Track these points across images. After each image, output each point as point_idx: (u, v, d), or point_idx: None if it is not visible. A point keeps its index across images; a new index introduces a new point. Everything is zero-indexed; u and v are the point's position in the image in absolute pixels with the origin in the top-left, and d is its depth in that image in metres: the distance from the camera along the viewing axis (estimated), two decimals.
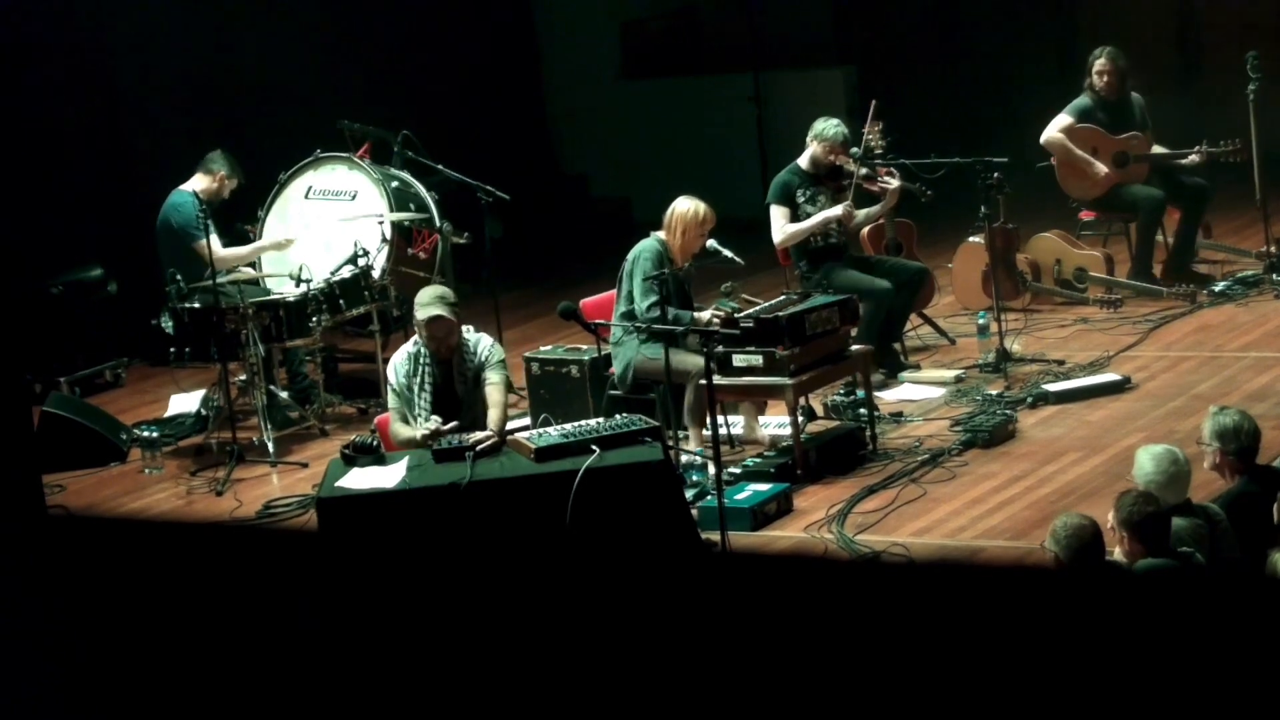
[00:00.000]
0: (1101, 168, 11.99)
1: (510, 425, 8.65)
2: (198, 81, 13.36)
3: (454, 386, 8.61)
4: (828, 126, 10.81)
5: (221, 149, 11.32)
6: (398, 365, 8.66)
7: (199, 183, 11.16)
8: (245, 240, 11.47)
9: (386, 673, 6.58)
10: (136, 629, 6.90)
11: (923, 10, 16.57)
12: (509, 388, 8.83)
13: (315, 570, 8.05)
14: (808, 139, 10.86)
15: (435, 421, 8.38)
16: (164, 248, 11.13)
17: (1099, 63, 12.03)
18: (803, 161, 10.86)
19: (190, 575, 8.43)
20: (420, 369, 8.59)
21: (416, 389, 8.57)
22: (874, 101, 11.17)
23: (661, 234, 9.82)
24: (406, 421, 8.55)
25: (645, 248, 9.76)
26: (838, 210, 10.68)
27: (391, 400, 8.67)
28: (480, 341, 8.69)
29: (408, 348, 8.70)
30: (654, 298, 9.52)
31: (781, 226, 10.74)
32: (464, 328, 8.70)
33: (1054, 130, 12.08)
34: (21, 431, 7.30)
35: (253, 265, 11.22)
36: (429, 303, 8.55)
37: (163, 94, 13.22)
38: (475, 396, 8.58)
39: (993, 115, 15.33)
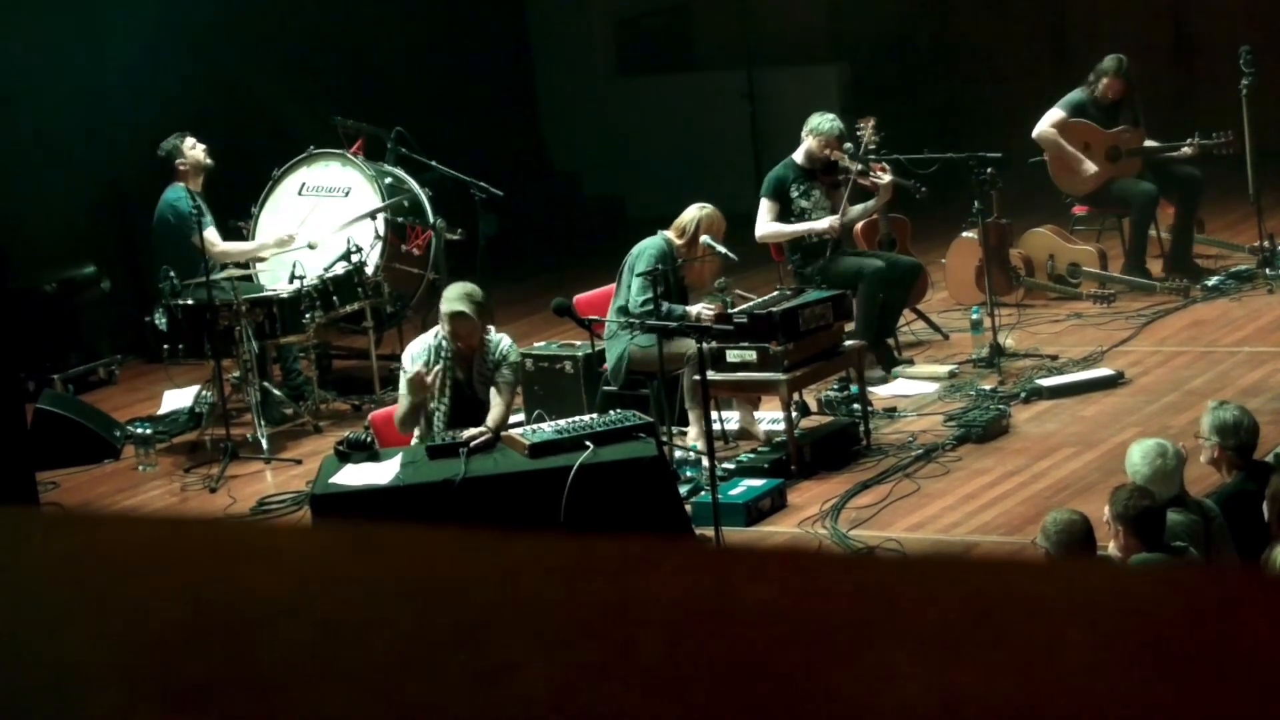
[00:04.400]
0: (1091, 166, 11.99)
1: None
2: (189, 78, 13.34)
3: (473, 384, 8.61)
4: (823, 121, 10.82)
5: (171, 134, 11.23)
6: (415, 354, 8.61)
7: (179, 175, 11.15)
8: (240, 238, 11.45)
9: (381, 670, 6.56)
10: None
11: (916, 6, 16.57)
12: (517, 389, 8.84)
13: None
14: (803, 133, 10.87)
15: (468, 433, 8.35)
16: (160, 245, 11.10)
17: (1107, 79, 11.95)
18: (798, 156, 10.87)
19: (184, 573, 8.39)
20: (439, 363, 8.57)
21: (436, 384, 8.56)
22: (872, 120, 11.14)
23: (670, 233, 9.82)
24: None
25: (650, 245, 9.75)
26: (823, 224, 10.68)
27: (403, 386, 8.64)
28: (501, 341, 8.66)
29: (427, 338, 8.67)
30: (650, 294, 9.54)
31: (766, 222, 10.76)
32: (488, 328, 8.68)
33: (1045, 125, 12.09)
34: (15, 429, 7.30)
35: (247, 263, 11.21)
36: (455, 299, 8.50)
37: (155, 91, 13.20)
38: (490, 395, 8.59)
39: (986, 111, 15.33)
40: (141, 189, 11.65)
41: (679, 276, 9.80)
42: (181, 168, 11.12)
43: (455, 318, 8.46)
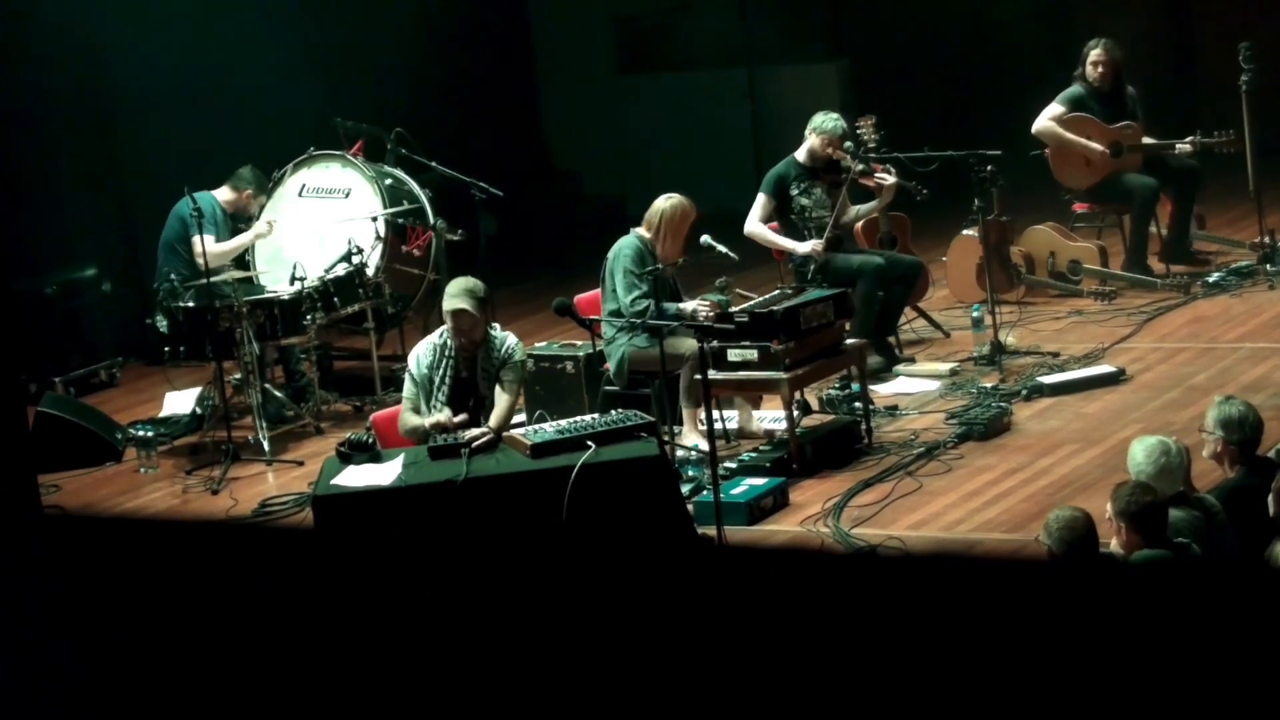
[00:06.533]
0: (1097, 146, 11.98)
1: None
2: (191, 79, 13.33)
3: (476, 381, 8.60)
4: (827, 120, 10.84)
5: (252, 165, 11.32)
6: (420, 355, 8.64)
7: (225, 194, 11.19)
8: None
9: (383, 670, 6.57)
10: (133, 628, 6.88)
11: (916, 3, 16.55)
12: (521, 390, 8.84)
13: (311, 568, 8.04)
14: (806, 131, 10.88)
15: (445, 414, 8.37)
16: (168, 247, 11.08)
17: (1094, 53, 12.04)
18: (800, 154, 10.88)
19: (187, 574, 8.42)
20: (444, 361, 8.58)
21: (437, 380, 8.56)
22: (872, 118, 11.14)
23: (643, 230, 9.83)
24: (418, 412, 8.55)
25: (625, 244, 9.78)
26: (804, 247, 10.68)
27: (408, 389, 8.64)
28: (507, 340, 8.66)
29: (433, 338, 8.69)
30: (638, 292, 9.54)
31: (756, 219, 10.79)
32: (493, 325, 8.69)
33: (1045, 119, 12.09)
34: (17, 432, 7.29)
35: (247, 265, 11.22)
36: (456, 294, 8.53)
37: (156, 92, 13.19)
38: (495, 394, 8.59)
39: (987, 109, 15.31)
40: (143, 190, 11.64)
41: (665, 277, 9.80)
42: (229, 189, 11.16)
43: (457, 315, 8.49)
